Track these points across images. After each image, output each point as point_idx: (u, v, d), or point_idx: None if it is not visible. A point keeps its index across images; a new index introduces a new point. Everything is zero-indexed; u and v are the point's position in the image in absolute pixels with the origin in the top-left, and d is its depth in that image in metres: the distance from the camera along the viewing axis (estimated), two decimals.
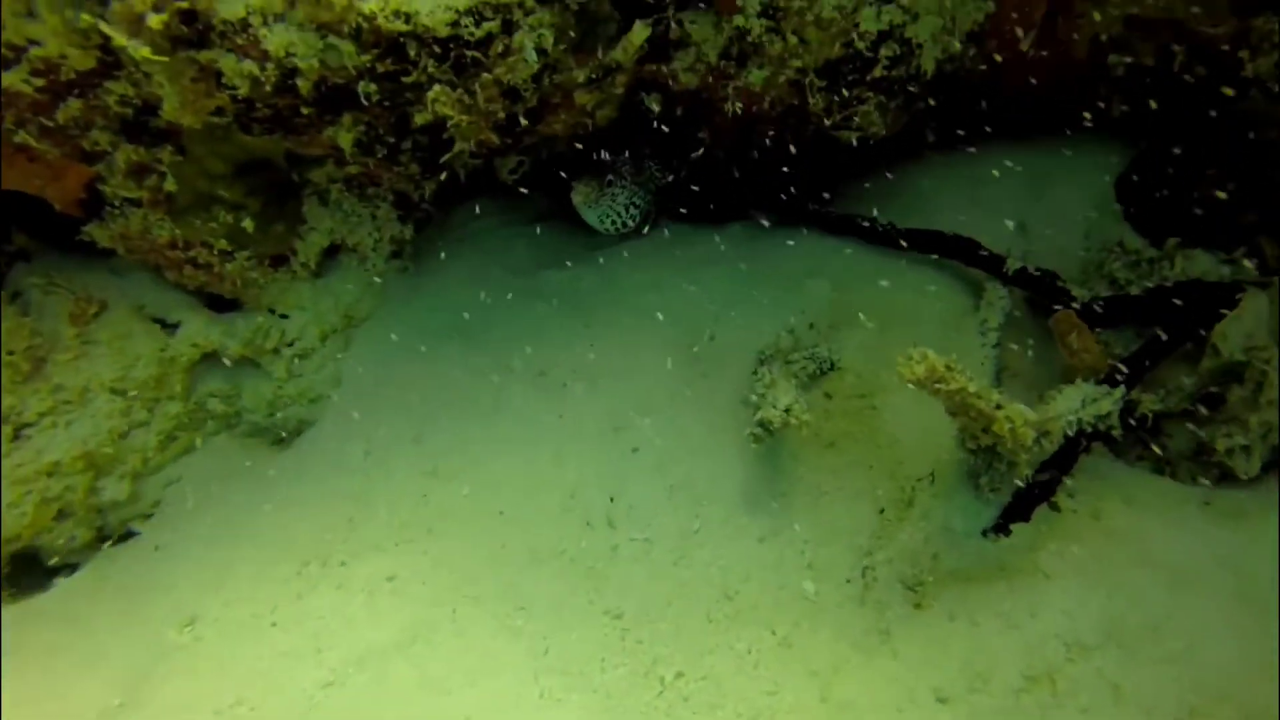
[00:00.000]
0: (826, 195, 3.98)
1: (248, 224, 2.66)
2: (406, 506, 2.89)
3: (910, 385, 2.55)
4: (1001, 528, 2.77)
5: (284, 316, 3.10)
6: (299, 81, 2.37)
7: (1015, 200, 3.72)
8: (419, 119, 2.54)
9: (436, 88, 2.39)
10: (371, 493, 2.93)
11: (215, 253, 2.73)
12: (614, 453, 3.06)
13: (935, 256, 3.50)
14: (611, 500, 2.97)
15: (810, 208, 3.70)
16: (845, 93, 3.00)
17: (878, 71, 2.96)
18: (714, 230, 3.93)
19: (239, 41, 2.23)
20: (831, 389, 3.33)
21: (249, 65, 2.26)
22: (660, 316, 3.45)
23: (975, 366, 3.27)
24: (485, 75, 2.42)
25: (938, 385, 2.49)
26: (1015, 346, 3.38)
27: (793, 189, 3.77)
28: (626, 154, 3.60)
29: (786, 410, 2.82)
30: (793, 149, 3.61)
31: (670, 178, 3.84)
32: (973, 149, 3.92)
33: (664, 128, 3.40)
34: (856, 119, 3.05)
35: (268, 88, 2.33)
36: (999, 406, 2.51)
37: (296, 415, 3.18)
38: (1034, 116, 3.70)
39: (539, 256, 3.72)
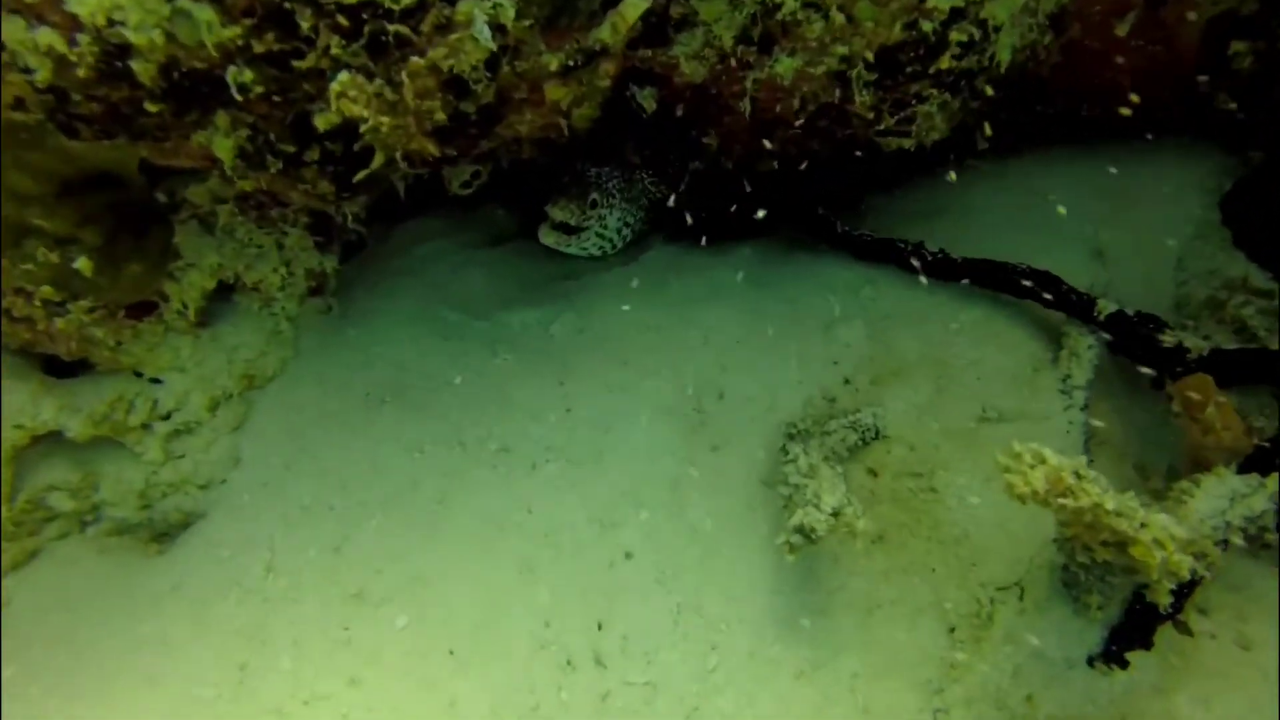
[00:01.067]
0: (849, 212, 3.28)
1: (83, 264, 1.87)
2: (320, 647, 2.12)
3: (1021, 500, 1.84)
4: (1115, 656, 2.13)
5: (156, 381, 2.31)
6: (137, 65, 1.59)
7: (1088, 220, 3.02)
8: (322, 122, 1.76)
9: (343, 76, 1.62)
10: (272, 626, 2.15)
11: (38, 303, 1.94)
12: (600, 560, 2.32)
13: (998, 293, 2.78)
14: (599, 628, 2.23)
15: (840, 229, 2.98)
16: (904, 88, 2.27)
17: (945, 61, 2.24)
18: (718, 255, 3.20)
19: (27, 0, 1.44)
20: (876, 463, 2.62)
21: (48, 37, 1.47)
22: (656, 370, 2.71)
23: (1058, 436, 2.57)
24: (416, 60, 1.66)
25: (1062, 500, 1.78)
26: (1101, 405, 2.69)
27: (818, 206, 3.05)
28: (609, 168, 2.84)
29: (834, 513, 2.11)
30: (810, 158, 2.90)
31: (666, 193, 3.09)
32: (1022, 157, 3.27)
33: (659, 131, 2.66)
34: (915, 122, 2.31)
35: (84, 72, 1.54)
36: (1143, 525, 1.80)
37: (178, 507, 2.39)
38: (1111, 120, 3.02)
39: (500, 289, 2.95)
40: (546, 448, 2.48)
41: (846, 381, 2.75)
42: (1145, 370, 2.57)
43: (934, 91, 2.29)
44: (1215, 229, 2.86)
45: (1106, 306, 2.56)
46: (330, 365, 2.62)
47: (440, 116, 1.79)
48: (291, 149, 1.96)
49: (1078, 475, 1.77)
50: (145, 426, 2.32)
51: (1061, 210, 2.91)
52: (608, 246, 2.91)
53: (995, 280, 2.72)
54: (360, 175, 1.89)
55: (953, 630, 2.30)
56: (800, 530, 2.14)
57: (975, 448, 2.60)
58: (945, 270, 2.81)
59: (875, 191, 3.45)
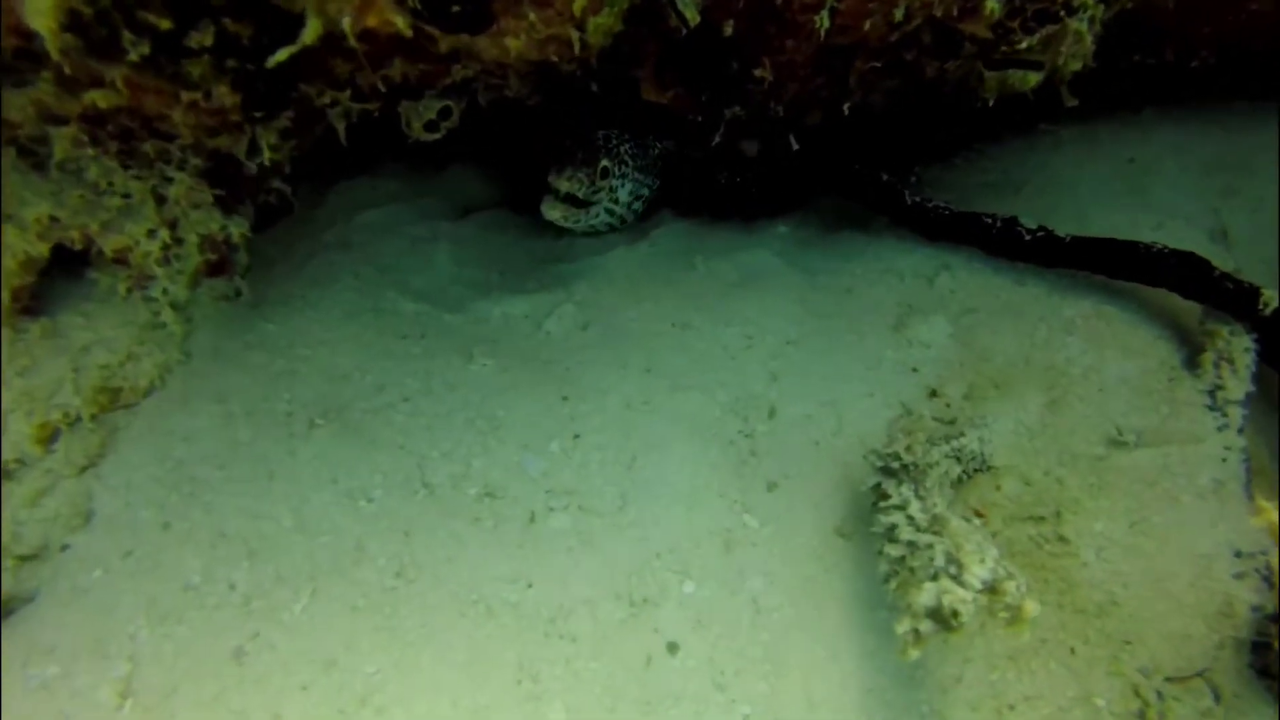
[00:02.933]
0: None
1: None
2: None
3: None
4: None
5: None
6: None
7: (1199, 194, 2.46)
8: None
9: None
10: None
11: None
12: (632, 657, 1.61)
13: (1110, 281, 2.20)
14: None
15: (910, 199, 2.34)
16: None
17: None
18: (747, 232, 2.52)
19: None
20: (982, 502, 1.98)
21: None
22: (687, 379, 2.02)
23: (1212, 465, 1.98)
24: None
25: None
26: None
27: (880, 171, 2.41)
28: (617, 130, 2.20)
29: (990, 587, 1.46)
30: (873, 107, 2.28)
31: (684, 150, 2.40)
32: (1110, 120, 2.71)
33: (697, 58, 1.97)
34: (1062, 43, 1.68)
35: None
36: None
37: None
38: (1223, 73, 2.48)
39: (474, 272, 2.20)
40: (548, 491, 1.76)
41: (933, 394, 2.11)
42: None
43: (1089, 0, 1.65)
44: None
45: (1273, 299, 1.97)
46: (236, 374, 1.82)
47: None
48: (165, 23, 1.19)
49: None
50: None
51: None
52: (615, 222, 2.23)
53: (1122, 265, 2.12)
54: (280, 55, 1.13)
55: None
56: (935, 614, 1.47)
57: (1108, 482, 1.99)
58: (1049, 253, 2.20)
59: (926, 160, 2.84)
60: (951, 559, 1.53)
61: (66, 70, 1.29)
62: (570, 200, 2.15)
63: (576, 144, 2.22)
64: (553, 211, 2.15)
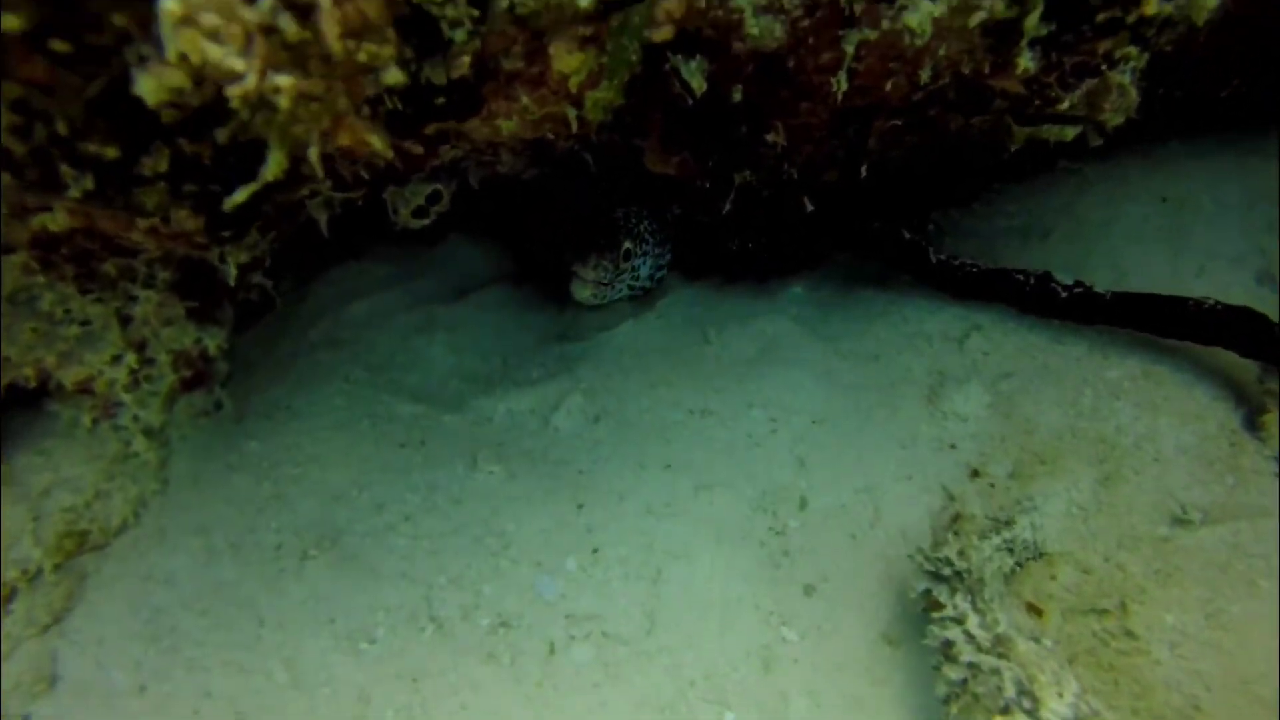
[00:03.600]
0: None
1: None
2: None
3: None
4: None
5: None
6: None
7: (1242, 232, 2.32)
8: (153, 89, 0.86)
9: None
10: None
11: None
12: None
13: (1159, 339, 2.05)
14: None
15: (934, 257, 2.19)
16: (1091, 46, 1.49)
17: (1151, 4, 1.46)
18: (760, 297, 2.37)
19: None
20: (1038, 594, 1.82)
21: None
22: (710, 474, 1.85)
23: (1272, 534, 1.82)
24: None
25: None
26: None
27: (903, 228, 2.27)
28: (635, 206, 2.12)
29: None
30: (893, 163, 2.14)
31: (694, 217, 2.26)
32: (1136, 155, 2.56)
33: (704, 124, 1.83)
34: (1107, 97, 1.54)
35: None
36: None
37: None
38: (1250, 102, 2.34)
39: (474, 363, 2.04)
40: (568, 617, 1.59)
41: (975, 474, 1.95)
42: None
43: (1132, 50, 1.51)
44: None
45: None
46: (218, 503, 1.65)
47: (394, 77, 0.91)
48: (111, 151, 1.04)
49: None
50: None
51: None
52: (638, 292, 2.13)
53: (1170, 322, 1.96)
54: (238, 197, 0.97)
55: None
56: None
57: (1175, 566, 1.83)
58: (1089, 310, 2.05)
59: (944, 206, 2.69)
60: (1024, 690, 1.36)
61: (2, 208, 1.13)
62: (595, 284, 2.05)
63: (597, 229, 2.13)
64: (583, 292, 2.06)
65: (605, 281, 2.04)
